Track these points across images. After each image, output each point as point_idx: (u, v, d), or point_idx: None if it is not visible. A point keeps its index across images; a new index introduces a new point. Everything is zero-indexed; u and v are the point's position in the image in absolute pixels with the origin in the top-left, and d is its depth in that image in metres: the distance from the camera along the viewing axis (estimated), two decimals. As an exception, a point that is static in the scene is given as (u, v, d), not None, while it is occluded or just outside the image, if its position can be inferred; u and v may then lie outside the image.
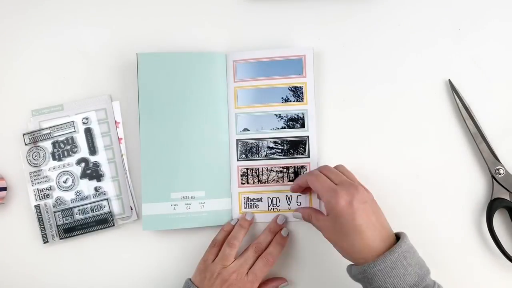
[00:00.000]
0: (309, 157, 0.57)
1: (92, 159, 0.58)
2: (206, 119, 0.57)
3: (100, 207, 0.58)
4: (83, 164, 0.58)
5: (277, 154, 0.57)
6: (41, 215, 0.58)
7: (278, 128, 0.57)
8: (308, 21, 0.59)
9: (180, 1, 0.60)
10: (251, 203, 0.57)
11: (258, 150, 0.57)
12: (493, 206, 0.54)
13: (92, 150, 0.58)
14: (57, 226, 0.58)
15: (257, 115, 0.57)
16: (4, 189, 0.58)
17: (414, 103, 0.57)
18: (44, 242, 0.58)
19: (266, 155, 0.57)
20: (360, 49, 0.58)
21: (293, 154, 0.57)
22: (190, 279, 0.53)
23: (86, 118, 0.58)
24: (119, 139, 0.59)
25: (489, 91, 0.56)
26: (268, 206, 0.57)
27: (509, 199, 0.54)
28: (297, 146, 0.57)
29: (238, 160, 0.57)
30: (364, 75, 0.58)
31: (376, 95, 0.58)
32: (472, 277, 0.55)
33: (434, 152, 0.57)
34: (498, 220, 0.55)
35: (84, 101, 0.59)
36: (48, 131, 0.58)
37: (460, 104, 0.56)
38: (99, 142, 0.58)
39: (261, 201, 0.57)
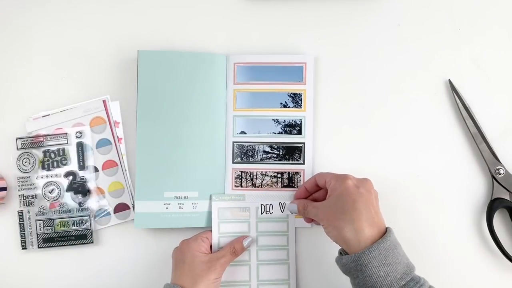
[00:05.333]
0: (304, 163, 0.56)
1: (81, 173, 0.58)
2: (204, 120, 0.56)
3: (81, 222, 0.57)
4: (70, 177, 0.58)
5: (272, 159, 0.57)
6: (23, 221, 0.57)
7: (275, 133, 0.57)
8: (308, 21, 0.58)
9: (182, 1, 0.59)
10: None
11: (254, 153, 0.57)
12: (493, 206, 0.54)
13: (82, 165, 0.58)
14: (37, 234, 0.57)
15: (254, 119, 0.57)
16: (4, 189, 0.57)
17: (414, 103, 0.57)
18: (23, 248, 0.57)
19: (261, 159, 0.57)
20: (360, 49, 0.58)
21: (288, 160, 0.57)
22: None
23: (80, 132, 0.58)
24: (119, 139, 0.58)
25: (489, 91, 0.57)
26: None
27: (509, 199, 0.54)
28: (293, 152, 0.57)
29: (233, 163, 0.57)
30: (364, 74, 0.58)
31: (376, 95, 0.57)
32: (472, 277, 0.55)
33: (434, 152, 0.57)
34: (498, 220, 0.55)
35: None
36: (41, 139, 0.58)
37: (460, 104, 0.56)
38: (91, 156, 0.58)
39: None
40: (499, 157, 0.55)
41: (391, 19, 0.58)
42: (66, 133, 0.58)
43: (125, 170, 0.58)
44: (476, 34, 0.57)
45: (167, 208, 0.56)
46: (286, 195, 0.56)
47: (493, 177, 0.55)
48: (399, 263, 0.44)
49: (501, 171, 0.54)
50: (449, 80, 0.56)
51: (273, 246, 0.55)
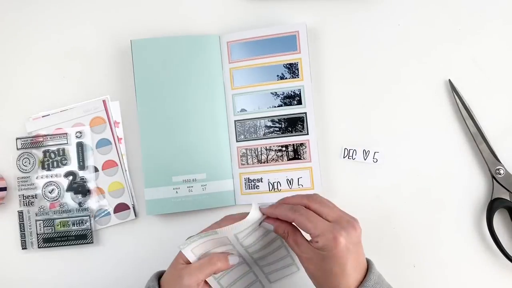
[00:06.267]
0: (308, 134, 0.56)
1: (80, 173, 0.58)
2: (204, 102, 0.57)
3: (81, 222, 0.57)
4: (70, 178, 0.58)
5: (275, 133, 0.57)
6: (23, 221, 0.57)
7: (275, 107, 0.57)
8: (306, 19, 0.58)
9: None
10: (251, 184, 0.57)
11: (256, 129, 0.57)
12: (493, 206, 0.54)
13: (82, 165, 0.58)
14: (37, 234, 0.57)
15: (253, 95, 0.57)
16: (4, 189, 0.57)
17: (414, 103, 0.57)
18: (23, 248, 0.57)
19: (264, 134, 0.57)
20: (359, 50, 0.58)
21: (292, 132, 0.57)
22: None
23: (80, 132, 0.58)
24: (119, 139, 0.58)
25: (489, 91, 0.56)
26: (269, 190, 0.57)
27: (509, 199, 0.54)
28: (295, 124, 0.57)
29: (237, 141, 0.57)
30: (363, 75, 0.58)
31: (376, 96, 0.57)
32: (472, 277, 0.55)
33: (434, 152, 0.57)
34: (498, 220, 0.55)
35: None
36: (41, 139, 0.58)
37: (460, 104, 0.56)
38: (91, 156, 0.58)
39: (261, 181, 0.57)
40: (499, 157, 0.55)
41: (391, 19, 0.58)
42: (66, 133, 0.58)
43: (125, 170, 0.58)
44: (476, 34, 0.57)
45: (176, 192, 0.56)
46: (293, 168, 0.56)
47: (493, 177, 0.55)
48: None
49: (501, 171, 0.54)
50: (449, 80, 0.56)
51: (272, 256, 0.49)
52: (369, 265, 0.44)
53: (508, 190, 0.54)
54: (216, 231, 0.45)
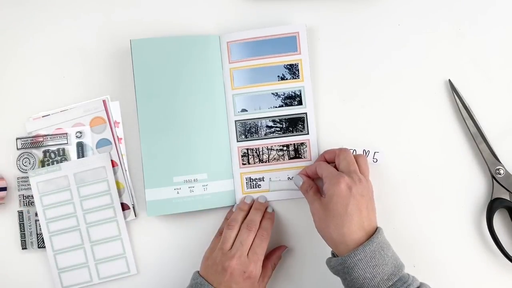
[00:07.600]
0: (308, 133, 0.57)
1: None
2: (204, 102, 0.57)
3: None
4: None
5: (276, 133, 0.57)
6: (23, 221, 0.58)
7: (276, 107, 0.57)
8: (306, 19, 0.58)
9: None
10: (253, 183, 0.57)
11: (257, 129, 0.57)
12: (493, 206, 0.54)
13: None
14: (37, 234, 0.57)
15: (254, 95, 0.57)
16: (4, 189, 0.57)
17: (414, 103, 0.57)
18: (23, 248, 0.57)
19: (265, 134, 0.57)
20: (359, 50, 0.58)
21: (292, 132, 0.57)
22: (197, 271, 0.51)
23: (80, 132, 0.58)
24: (119, 139, 0.58)
25: (489, 91, 0.56)
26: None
27: (509, 199, 0.54)
28: (296, 124, 0.57)
29: (238, 141, 0.57)
30: (364, 76, 0.58)
31: (376, 96, 0.57)
32: (472, 277, 0.55)
33: (434, 151, 0.57)
34: (498, 220, 0.55)
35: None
36: (41, 139, 0.58)
37: (460, 104, 0.56)
38: (91, 155, 0.58)
39: (263, 180, 0.57)
40: (499, 157, 0.55)
41: (391, 19, 0.58)
42: (66, 133, 0.58)
43: (125, 170, 0.58)
44: (476, 34, 0.57)
45: (178, 192, 0.56)
46: (294, 167, 0.57)
47: (493, 177, 0.55)
48: (386, 264, 0.45)
49: (501, 171, 0.54)
50: (449, 80, 0.56)
51: (99, 206, 0.57)
52: (377, 229, 0.47)
53: (508, 190, 0.54)
54: (60, 165, 0.55)
